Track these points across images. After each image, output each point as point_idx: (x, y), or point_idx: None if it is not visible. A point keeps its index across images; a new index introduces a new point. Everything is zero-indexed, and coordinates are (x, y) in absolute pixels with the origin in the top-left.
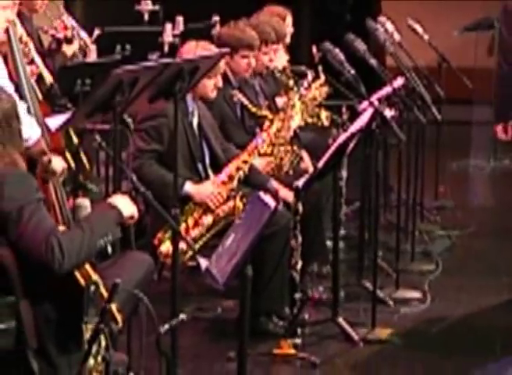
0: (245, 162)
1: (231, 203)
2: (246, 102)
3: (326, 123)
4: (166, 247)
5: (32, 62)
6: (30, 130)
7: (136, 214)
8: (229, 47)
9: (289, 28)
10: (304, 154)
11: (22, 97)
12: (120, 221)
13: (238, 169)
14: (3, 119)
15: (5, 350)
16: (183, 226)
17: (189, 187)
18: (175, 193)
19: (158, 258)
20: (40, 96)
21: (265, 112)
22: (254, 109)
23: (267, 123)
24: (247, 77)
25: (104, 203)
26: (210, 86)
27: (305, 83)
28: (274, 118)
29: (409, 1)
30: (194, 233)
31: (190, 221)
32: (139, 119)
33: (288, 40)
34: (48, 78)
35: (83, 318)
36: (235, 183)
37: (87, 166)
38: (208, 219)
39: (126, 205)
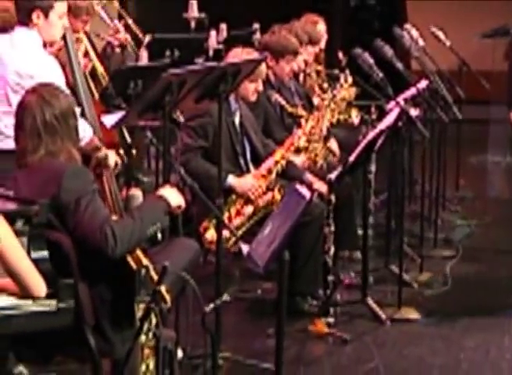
0: (282, 156)
1: (270, 194)
2: (283, 103)
3: (357, 121)
4: (211, 234)
5: (86, 54)
6: (83, 132)
7: (183, 204)
8: (275, 53)
9: (323, 35)
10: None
11: (78, 102)
12: (168, 211)
13: (276, 163)
14: (61, 116)
15: (65, 327)
16: (226, 215)
17: (231, 179)
18: (219, 185)
19: (203, 245)
20: (96, 95)
21: (301, 112)
22: (290, 109)
23: (303, 121)
24: (285, 80)
25: (153, 194)
26: (251, 89)
27: (338, 86)
28: (309, 117)
29: (432, 10)
30: (236, 221)
31: (233, 211)
32: (186, 117)
33: (322, 45)
34: (104, 77)
35: (135, 298)
36: (273, 176)
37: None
38: (248, 209)
39: (173, 196)
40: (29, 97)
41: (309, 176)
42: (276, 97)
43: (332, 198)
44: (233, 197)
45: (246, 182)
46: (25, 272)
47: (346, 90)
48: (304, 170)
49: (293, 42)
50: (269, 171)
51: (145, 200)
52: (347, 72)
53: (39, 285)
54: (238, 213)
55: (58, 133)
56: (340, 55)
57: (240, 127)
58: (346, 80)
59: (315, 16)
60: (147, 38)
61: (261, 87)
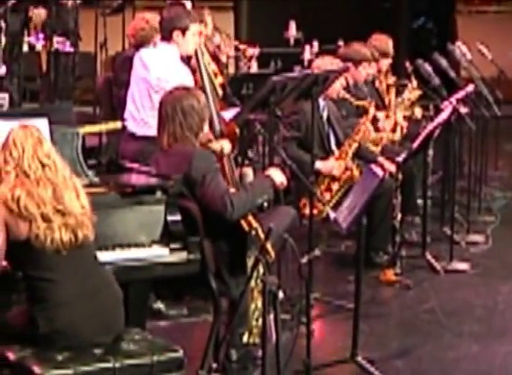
0: (354, 140)
1: (349, 172)
2: (347, 96)
3: (419, 116)
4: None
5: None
6: None
7: (285, 182)
8: (353, 61)
9: (390, 50)
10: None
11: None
12: (273, 186)
13: (349, 145)
14: (182, 110)
15: (193, 273)
16: (317, 191)
17: (318, 164)
18: (311, 167)
19: (302, 217)
20: (220, 92)
21: (362, 102)
22: (355, 102)
23: (371, 110)
24: (360, 83)
25: (262, 173)
26: (336, 87)
27: (406, 92)
28: (369, 110)
29: (478, 30)
30: (326, 197)
31: (323, 187)
32: (285, 114)
33: (390, 60)
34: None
35: (247, 252)
36: (350, 156)
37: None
38: (335, 186)
39: (278, 175)
40: (166, 95)
41: (380, 159)
42: (343, 93)
43: (399, 176)
44: (321, 178)
45: (329, 164)
46: None
47: (411, 92)
48: (377, 153)
49: (366, 52)
50: (346, 153)
51: (256, 177)
52: (413, 78)
53: None
54: (327, 189)
55: (176, 123)
56: (407, 64)
57: (327, 121)
58: (412, 85)
59: (385, 36)
60: (257, 52)
61: (343, 83)
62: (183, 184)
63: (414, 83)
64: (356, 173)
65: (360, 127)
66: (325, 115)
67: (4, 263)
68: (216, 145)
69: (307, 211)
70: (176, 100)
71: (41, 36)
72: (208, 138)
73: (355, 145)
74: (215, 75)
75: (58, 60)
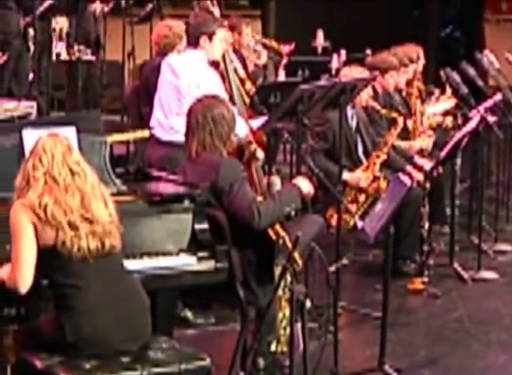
0: (382, 152)
1: (376, 183)
2: (378, 107)
3: (450, 125)
4: (335, 220)
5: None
6: (239, 129)
7: (312, 192)
8: (380, 69)
9: (421, 60)
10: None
11: (234, 104)
12: (301, 196)
13: (377, 157)
14: (212, 119)
15: (221, 281)
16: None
17: (345, 175)
18: (339, 177)
19: (329, 226)
20: (247, 100)
21: (391, 114)
22: (383, 111)
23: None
24: (391, 91)
25: (290, 183)
26: (363, 96)
27: (433, 98)
28: (399, 119)
29: (506, 38)
30: (353, 208)
31: (349, 199)
32: (312, 123)
33: (420, 68)
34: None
35: (275, 261)
36: (377, 167)
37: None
38: (361, 197)
39: (305, 185)
40: (196, 103)
41: (409, 167)
42: (371, 102)
43: (427, 184)
44: (348, 189)
45: (356, 176)
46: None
47: (446, 101)
48: (405, 162)
49: (393, 61)
50: (373, 164)
51: (284, 187)
52: (448, 87)
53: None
54: (353, 201)
55: (207, 131)
56: (442, 73)
57: (355, 130)
58: (442, 93)
59: (416, 46)
60: (284, 61)
61: (370, 93)
62: (210, 193)
63: (449, 92)
64: (383, 184)
65: (388, 139)
66: (353, 123)
67: None
68: (253, 147)
69: (334, 221)
70: (206, 108)
71: (63, 44)
72: (249, 140)
73: (383, 157)
74: (243, 81)
75: (80, 69)
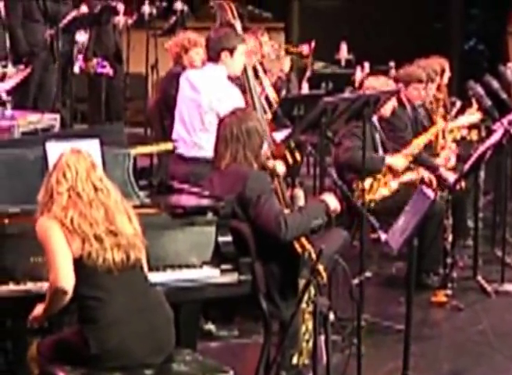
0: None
1: (409, 175)
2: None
3: (475, 138)
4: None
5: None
6: None
7: (338, 209)
8: (404, 81)
9: (446, 72)
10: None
11: None
12: (327, 211)
13: (407, 156)
14: (246, 131)
15: (244, 294)
16: (374, 186)
17: (388, 159)
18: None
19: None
20: (269, 116)
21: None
22: None
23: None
24: (415, 104)
25: (318, 198)
26: (388, 107)
27: (454, 110)
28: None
29: None
30: (383, 191)
31: (381, 183)
32: (341, 134)
33: (446, 81)
34: (274, 100)
35: (299, 274)
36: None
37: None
38: (393, 184)
39: (332, 201)
40: (229, 115)
41: (442, 169)
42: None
43: (450, 197)
44: (381, 175)
45: (398, 160)
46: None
47: (472, 114)
48: (437, 164)
49: (416, 73)
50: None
51: (310, 201)
52: (473, 101)
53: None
54: (385, 184)
55: (240, 144)
56: (467, 86)
57: (379, 140)
58: (466, 106)
59: (441, 59)
60: (308, 73)
61: (395, 104)
62: (237, 205)
63: (475, 106)
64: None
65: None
66: (377, 135)
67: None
68: (271, 163)
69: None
70: (241, 120)
71: (82, 57)
72: (266, 155)
73: (410, 157)
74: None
75: (101, 82)
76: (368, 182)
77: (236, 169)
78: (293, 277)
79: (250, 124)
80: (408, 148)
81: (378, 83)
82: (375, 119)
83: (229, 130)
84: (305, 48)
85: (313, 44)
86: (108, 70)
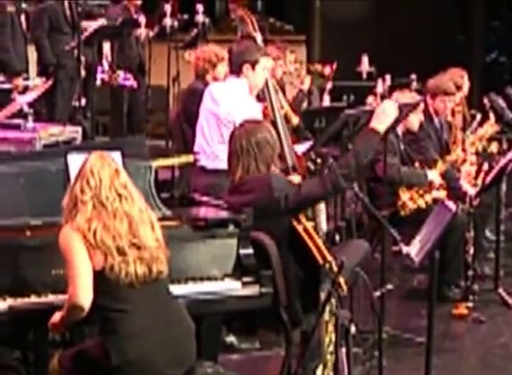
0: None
1: (441, 193)
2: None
3: (495, 151)
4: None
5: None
6: None
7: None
8: (431, 93)
9: (466, 84)
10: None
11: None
12: (379, 136)
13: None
14: (256, 144)
15: (266, 306)
16: (406, 196)
17: (429, 174)
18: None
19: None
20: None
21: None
22: None
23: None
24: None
25: (366, 127)
26: (415, 121)
27: (475, 123)
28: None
29: None
30: (411, 205)
31: (411, 195)
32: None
33: (466, 90)
34: (294, 118)
35: (320, 285)
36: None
37: None
38: (420, 201)
39: (390, 109)
40: (238, 129)
41: (463, 182)
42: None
43: (471, 210)
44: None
45: (437, 175)
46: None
47: (490, 127)
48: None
49: (444, 85)
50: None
51: (360, 135)
52: (491, 113)
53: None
54: (411, 199)
55: (252, 157)
56: (485, 100)
57: (404, 151)
58: (485, 119)
59: (459, 70)
60: (329, 85)
61: (421, 117)
62: (266, 208)
63: (493, 119)
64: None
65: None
66: (401, 146)
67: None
68: (296, 179)
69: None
70: (249, 133)
71: (106, 69)
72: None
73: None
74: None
75: (124, 94)
76: (407, 195)
77: (253, 177)
78: (314, 289)
79: (260, 136)
80: (444, 165)
81: (405, 99)
82: (399, 130)
83: (238, 144)
84: (327, 70)
85: (335, 65)
86: (132, 83)
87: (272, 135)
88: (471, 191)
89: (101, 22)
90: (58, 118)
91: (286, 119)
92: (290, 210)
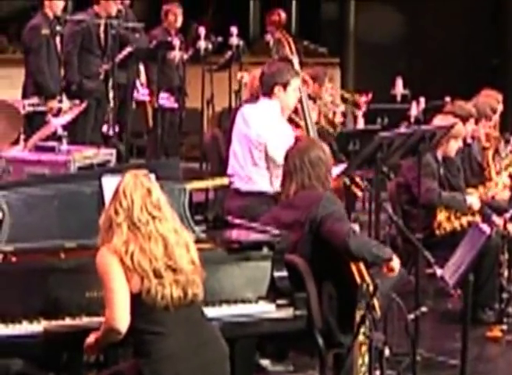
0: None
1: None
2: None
3: None
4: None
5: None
6: None
7: (396, 269)
8: (460, 117)
9: (499, 105)
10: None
11: None
12: (388, 259)
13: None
14: (309, 162)
15: (300, 329)
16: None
17: (469, 200)
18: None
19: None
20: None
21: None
22: None
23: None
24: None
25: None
26: (454, 147)
27: (509, 147)
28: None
29: None
30: (447, 226)
31: (448, 214)
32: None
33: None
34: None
35: (356, 307)
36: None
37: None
38: (455, 223)
39: (396, 262)
40: (291, 148)
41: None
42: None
43: (507, 232)
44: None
45: (476, 201)
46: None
47: None
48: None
49: (466, 110)
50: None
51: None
52: None
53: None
54: (447, 219)
55: (305, 174)
56: None
57: (444, 176)
58: None
59: (493, 92)
60: (363, 109)
61: (461, 145)
62: (309, 228)
63: None
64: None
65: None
66: (442, 171)
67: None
68: None
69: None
70: (303, 152)
71: (146, 92)
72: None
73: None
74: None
75: (163, 116)
76: (444, 215)
77: (307, 194)
78: (350, 311)
79: (313, 154)
80: (485, 191)
81: (444, 122)
82: (439, 155)
83: (291, 164)
84: (363, 99)
85: (370, 95)
86: (172, 104)
87: (326, 153)
88: (499, 222)
89: (129, 49)
90: (77, 138)
91: (334, 125)
92: (324, 233)
